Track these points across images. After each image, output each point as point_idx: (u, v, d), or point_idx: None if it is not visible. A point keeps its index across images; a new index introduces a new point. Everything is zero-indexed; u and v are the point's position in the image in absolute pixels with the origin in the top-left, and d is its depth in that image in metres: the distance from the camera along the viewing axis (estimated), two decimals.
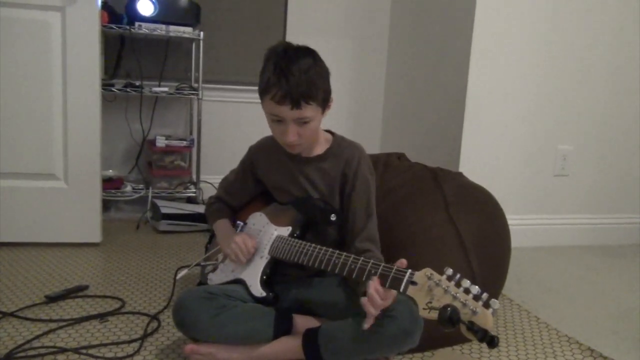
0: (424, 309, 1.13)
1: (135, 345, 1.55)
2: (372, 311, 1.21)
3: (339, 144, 1.58)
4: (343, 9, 3.29)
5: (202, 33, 2.82)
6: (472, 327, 1.06)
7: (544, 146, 2.72)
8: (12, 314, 1.69)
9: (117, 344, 1.55)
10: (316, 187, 1.55)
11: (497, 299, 1.90)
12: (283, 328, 1.44)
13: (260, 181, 1.68)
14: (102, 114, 2.36)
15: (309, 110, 1.39)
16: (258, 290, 1.49)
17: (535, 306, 1.98)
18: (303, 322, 1.47)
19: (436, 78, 2.84)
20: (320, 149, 1.57)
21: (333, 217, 1.51)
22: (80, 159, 2.32)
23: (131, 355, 1.50)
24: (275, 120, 1.43)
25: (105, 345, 1.54)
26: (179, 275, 1.68)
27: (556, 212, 2.80)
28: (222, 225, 1.67)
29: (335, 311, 1.46)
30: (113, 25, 2.67)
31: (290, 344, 1.43)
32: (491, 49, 2.54)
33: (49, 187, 2.32)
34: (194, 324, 1.41)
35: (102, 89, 2.65)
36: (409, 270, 1.19)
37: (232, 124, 3.17)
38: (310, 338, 1.40)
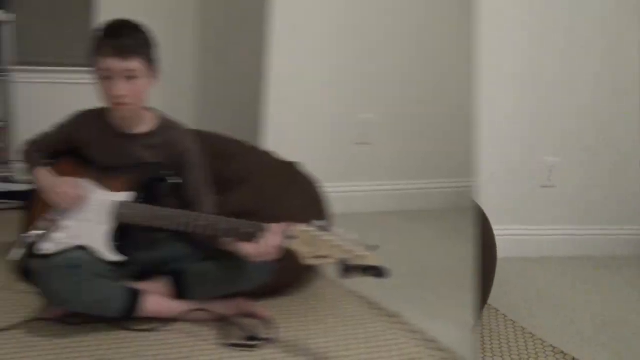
0: (309, 258, 1.34)
1: None
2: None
3: (165, 122, 1.68)
4: None
5: (15, 16, 2.78)
6: (365, 270, 1.27)
7: (530, 158, 2.72)
8: None
9: None
10: (142, 161, 1.63)
11: (482, 309, 1.92)
12: (131, 309, 1.54)
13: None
14: None
15: (136, 63, 1.51)
16: (109, 256, 1.53)
17: (521, 316, 1.98)
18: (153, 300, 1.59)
19: None
20: (147, 127, 1.65)
21: (173, 180, 1.61)
22: None
23: None
24: (105, 77, 1.51)
25: None
26: (10, 257, 1.63)
27: (543, 223, 2.80)
28: (44, 173, 1.68)
29: (179, 264, 1.64)
30: None
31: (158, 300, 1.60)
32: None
33: None
34: (54, 291, 1.48)
35: None
36: (285, 227, 1.39)
37: (45, 104, 3.02)
38: (178, 279, 1.62)
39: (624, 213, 2.91)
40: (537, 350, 1.73)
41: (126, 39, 1.50)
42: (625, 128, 2.83)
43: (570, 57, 2.69)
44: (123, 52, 1.48)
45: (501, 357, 1.65)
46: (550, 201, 2.79)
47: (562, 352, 1.71)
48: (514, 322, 1.92)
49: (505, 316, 1.96)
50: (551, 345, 1.75)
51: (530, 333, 1.84)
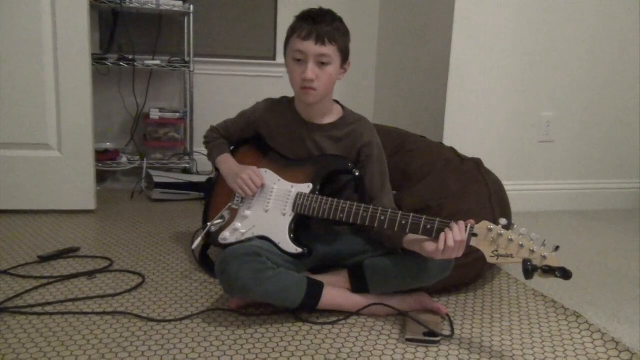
0: (490, 256, 1.30)
1: (120, 298, 1.62)
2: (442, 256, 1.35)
3: (350, 115, 1.67)
4: None
5: (192, 7, 2.84)
6: (549, 270, 1.23)
7: (527, 113, 2.76)
8: (4, 272, 1.76)
9: (102, 297, 1.62)
10: (324, 152, 1.63)
11: None
12: (312, 301, 1.50)
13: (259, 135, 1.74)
14: (98, 88, 2.40)
15: (330, 50, 1.51)
16: (291, 247, 1.53)
17: (516, 268, 1.99)
18: (332, 293, 1.54)
19: (421, 49, 2.88)
20: (331, 118, 1.64)
21: (357, 172, 1.58)
22: (73, 129, 2.37)
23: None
24: (297, 60, 1.53)
25: (91, 298, 1.61)
26: (194, 245, 1.68)
27: (541, 178, 2.85)
28: (227, 160, 1.72)
29: (356, 258, 1.58)
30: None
31: (336, 293, 1.55)
32: (474, 17, 2.57)
33: (43, 156, 2.37)
34: (235, 279, 1.43)
35: (96, 62, 2.66)
36: (469, 225, 1.32)
37: (224, 96, 3.20)
38: (357, 273, 1.56)
39: (620, 167, 2.95)
40: (521, 295, 1.76)
41: (324, 25, 1.50)
42: (623, 82, 2.85)
43: (567, 17, 2.70)
44: (320, 37, 1.48)
45: (508, 316, 1.64)
46: (548, 156, 2.83)
47: (562, 307, 1.71)
48: (509, 275, 1.94)
49: (500, 269, 1.98)
50: (552, 301, 1.75)
51: (533, 290, 1.83)
